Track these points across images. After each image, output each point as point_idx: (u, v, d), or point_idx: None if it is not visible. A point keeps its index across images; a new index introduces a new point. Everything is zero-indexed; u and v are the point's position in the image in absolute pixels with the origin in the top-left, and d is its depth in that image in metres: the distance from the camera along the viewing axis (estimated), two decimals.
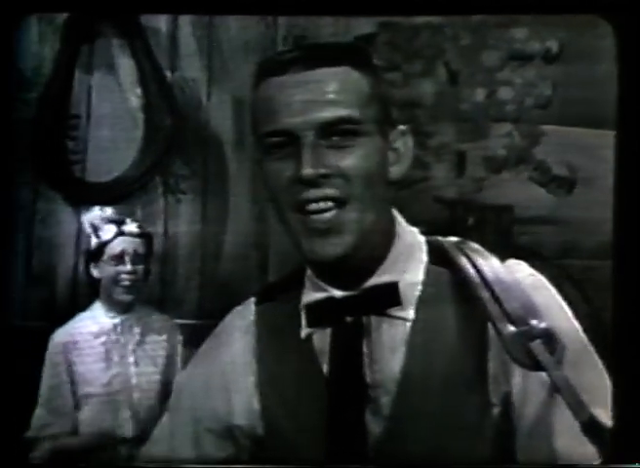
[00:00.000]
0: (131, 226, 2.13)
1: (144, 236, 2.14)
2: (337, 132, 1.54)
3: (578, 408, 1.48)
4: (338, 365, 1.64)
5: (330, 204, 1.55)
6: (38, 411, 2.08)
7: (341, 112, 1.55)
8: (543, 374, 1.52)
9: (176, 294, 2.10)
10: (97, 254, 2.12)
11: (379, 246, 1.62)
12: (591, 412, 1.48)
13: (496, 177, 2.12)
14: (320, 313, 1.65)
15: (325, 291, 1.64)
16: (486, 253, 1.62)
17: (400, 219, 1.66)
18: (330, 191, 1.55)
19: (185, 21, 2.21)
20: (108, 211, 2.14)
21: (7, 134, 2.02)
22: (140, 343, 2.12)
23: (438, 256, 1.64)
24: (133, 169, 2.18)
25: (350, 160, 1.55)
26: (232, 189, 2.18)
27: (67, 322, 2.12)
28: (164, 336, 2.12)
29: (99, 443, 2.08)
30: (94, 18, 2.15)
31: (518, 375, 1.57)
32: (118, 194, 2.17)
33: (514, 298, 1.55)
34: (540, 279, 1.63)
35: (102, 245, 2.11)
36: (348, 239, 1.56)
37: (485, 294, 1.56)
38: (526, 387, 1.57)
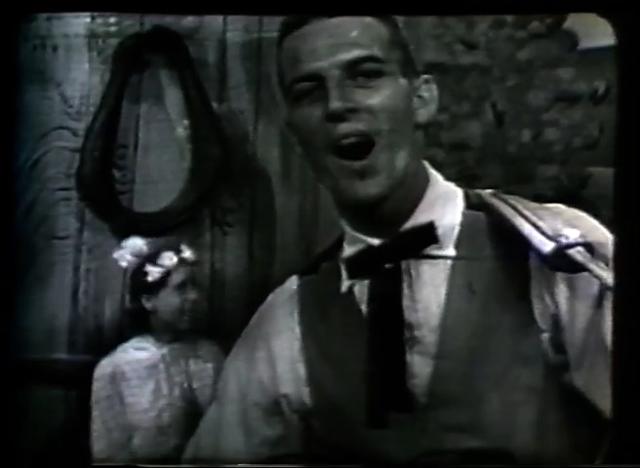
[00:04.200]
0: (188, 253, 2.13)
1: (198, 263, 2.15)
2: (361, 72, 1.63)
3: None
4: (377, 310, 1.67)
5: (360, 138, 1.62)
6: (97, 446, 2.06)
7: (364, 52, 1.64)
8: (588, 290, 1.58)
9: (223, 328, 2.11)
10: (158, 284, 2.10)
11: (413, 190, 1.68)
12: None
13: None
14: (359, 263, 1.70)
15: (363, 242, 1.69)
16: (521, 199, 1.69)
17: (433, 170, 1.73)
18: (358, 125, 1.62)
19: (234, 53, 2.21)
20: (139, 241, 2.13)
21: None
22: (188, 372, 2.12)
23: (474, 203, 1.71)
24: (180, 200, 2.19)
25: (376, 98, 1.63)
26: (279, 222, 2.19)
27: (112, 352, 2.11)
28: (210, 364, 2.11)
29: None
30: (143, 48, 2.16)
31: (564, 297, 1.61)
32: (165, 225, 2.17)
33: (552, 221, 1.60)
34: (580, 213, 1.68)
35: (167, 273, 2.10)
36: (383, 179, 1.62)
37: (523, 226, 1.60)
38: (573, 305, 1.61)
